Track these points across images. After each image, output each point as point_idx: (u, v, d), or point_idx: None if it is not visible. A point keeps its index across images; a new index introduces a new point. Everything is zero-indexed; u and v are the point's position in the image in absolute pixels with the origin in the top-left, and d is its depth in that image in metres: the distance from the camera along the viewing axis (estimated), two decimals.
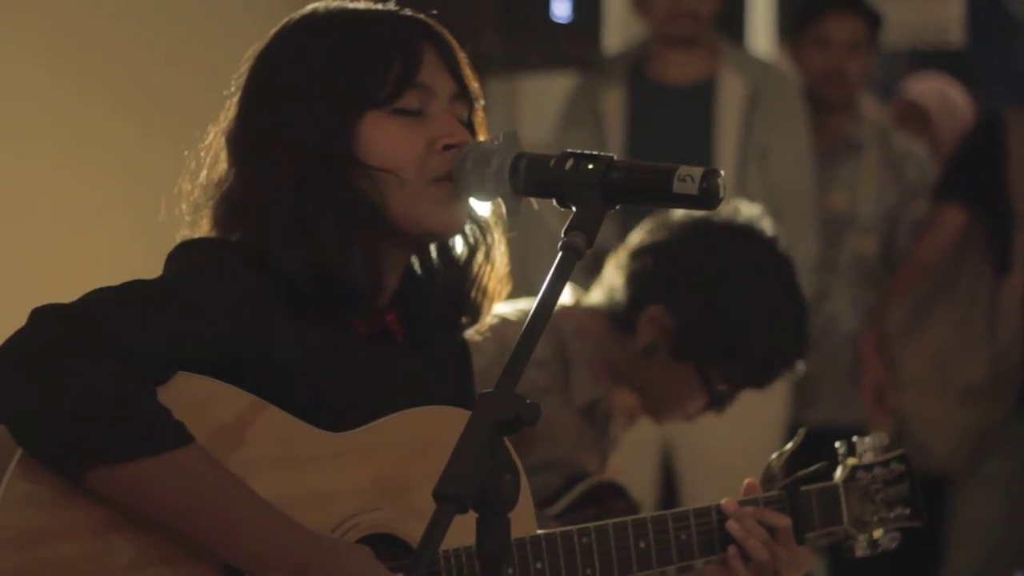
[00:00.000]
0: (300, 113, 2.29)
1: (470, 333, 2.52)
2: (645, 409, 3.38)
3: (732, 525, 2.52)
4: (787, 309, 3.31)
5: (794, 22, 5.82)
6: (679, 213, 3.29)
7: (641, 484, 4.93)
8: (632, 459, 4.83)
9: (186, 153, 2.40)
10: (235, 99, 2.37)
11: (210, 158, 2.38)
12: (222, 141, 2.37)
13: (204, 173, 2.38)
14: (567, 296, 3.31)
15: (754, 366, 3.28)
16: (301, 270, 2.24)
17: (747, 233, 3.30)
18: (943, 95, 6.28)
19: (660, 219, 3.33)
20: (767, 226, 3.34)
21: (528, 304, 3.08)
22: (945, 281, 5.46)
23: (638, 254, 3.29)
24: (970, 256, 5.46)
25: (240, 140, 2.34)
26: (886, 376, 5.46)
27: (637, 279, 3.27)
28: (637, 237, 3.33)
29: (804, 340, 3.34)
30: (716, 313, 3.22)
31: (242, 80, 2.38)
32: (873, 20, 5.73)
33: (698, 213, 3.21)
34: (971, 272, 5.45)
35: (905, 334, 5.48)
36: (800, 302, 3.34)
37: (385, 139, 2.29)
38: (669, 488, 5.30)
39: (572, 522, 2.47)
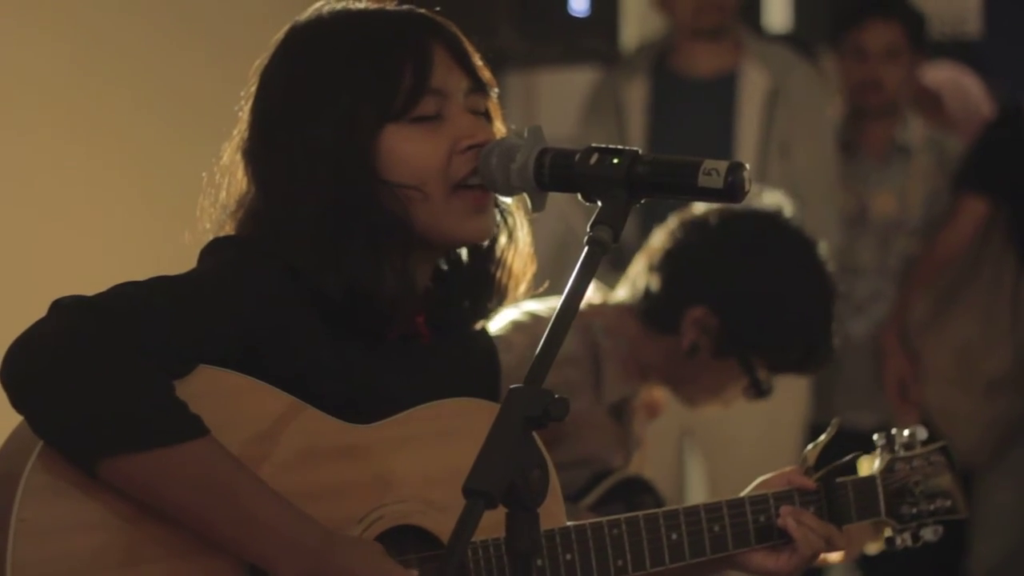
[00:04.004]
0: (318, 135, 2.27)
1: (498, 328, 2.52)
2: (680, 398, 3.39)
3: (792, 527, 2.54)
4: (820, 288, 3.36)
5: (834, 31, 5.79)
6: (701, 208, 3.31)
7: (661, 478, 4.92)
8: (652, 453, 4.83)
9: (203, 174, 2.39)
10: (247, 115, 2.36)
11: (227, 178, 2.37)
12: (237, 158, 2.36)
13: (223, 194, 2.37)
14: (596, 294, 3.33)
15: (799, 352, 3.32)
16: (335, 290, 2.24)
17: (773, 223, 3.36)
18: (955, 81, 6.27)
19: (684, 217, 3.34)
20: (788, 210, 3.41)
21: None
22: (968, 273, 5.45)
23: (671, 256, 3.31)
24: (992, 247, 5.45)
25: (258, 161, 2.33)
26: (910, 369, 5.45)
27: (674, 281, 3.29)
28: (665, 237, 3.34)
29: (834, 315, 3.38)
30: (758, 307, 3.26)
31: (252, 95, 2.36)
32: (913, 23, 5.67)
33: (721, 206, 3.24)
34: (994, 263, 5.44)
35: (928, 327, 5.47)
36: (828, 277, 3.39)
37: (406, 151, 2.27)
38: (690, 483, 5.29)
39: (600, 516, 2.47)
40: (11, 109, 4.27)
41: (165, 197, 3.66)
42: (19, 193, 4.28)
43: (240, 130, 2.36)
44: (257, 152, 2.33)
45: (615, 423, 3.32)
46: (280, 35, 2.37)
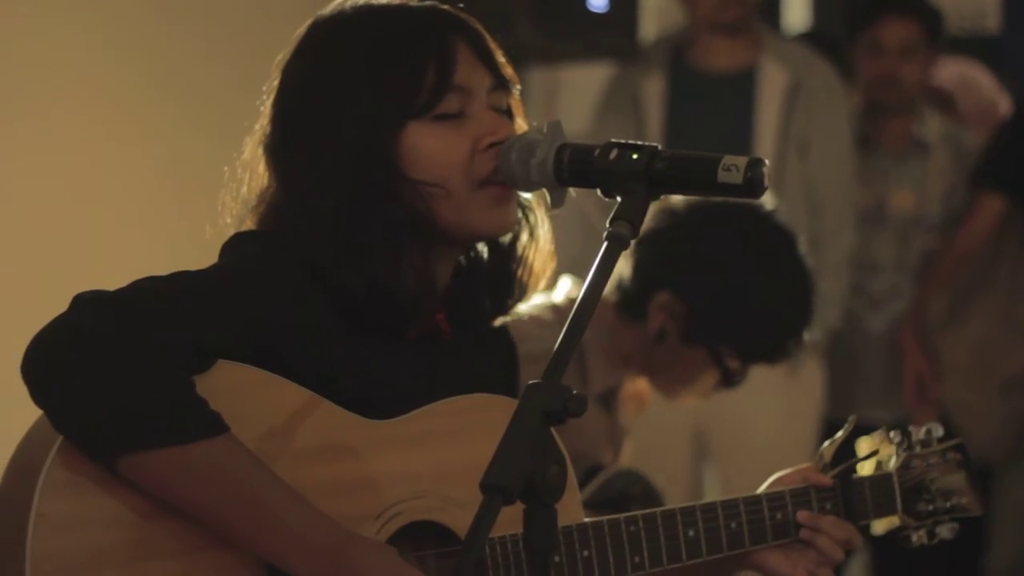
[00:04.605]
0: (340, 131, 2.27)
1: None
2: (658, 389, 3.40)
3: (809, 537, 2.53)
4: (792, 282, 3.34)
5: (849, 28, 5.78)
6: (677, 197, 3.30)
7: (676, 478, 4.93)
8: (665, 448, 4.84)
9: (225, 168, 2.38)
10: (269, 110, 2.35)
11: (249, 173, 2.36)
12: (259, 152, 2.35)
13: (244, 189, 2.36)
14: (573, 288, 3.33)
15: (765, 343, 3.32)
16: (355, 287, 2.24)
17: (747, 211, 3.33)
18: (964, 77, 6.27)
19: (659, 206, 3.33)
20: (769, 202, 3.38)
21: (542, 299, 3.10)
22: (985, 271, 5.44)
23: (642, 242, 3.30)
24: (1010, 245, 5.44)
25: (280, 156, 2.32)
26: (927, 367, 5.44)
27: (643, 267, 3.29)
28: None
29: (811, 310, 3.37)
30: (724, 295, 3.26)
31: (274, 90, 2.35)
32: (930, 19, 5.66)
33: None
34: (1011, 261, 5.43)
35: (946, 325, 5.46)
36: (804, 271, 3.36)
37: (428, 149, 2.27)
38: (705, 482, 5.29)
39: (593, 511, 2.46)
40: (34, 104, 4.28)
41: (187, 191, 3.66)
42: (41, 187, 4.28)
43: (262, 125, 2.36)
44: (278, 147, 2.33)
45: (604, 414, 3.33)
46: (302, 30, 2.37)
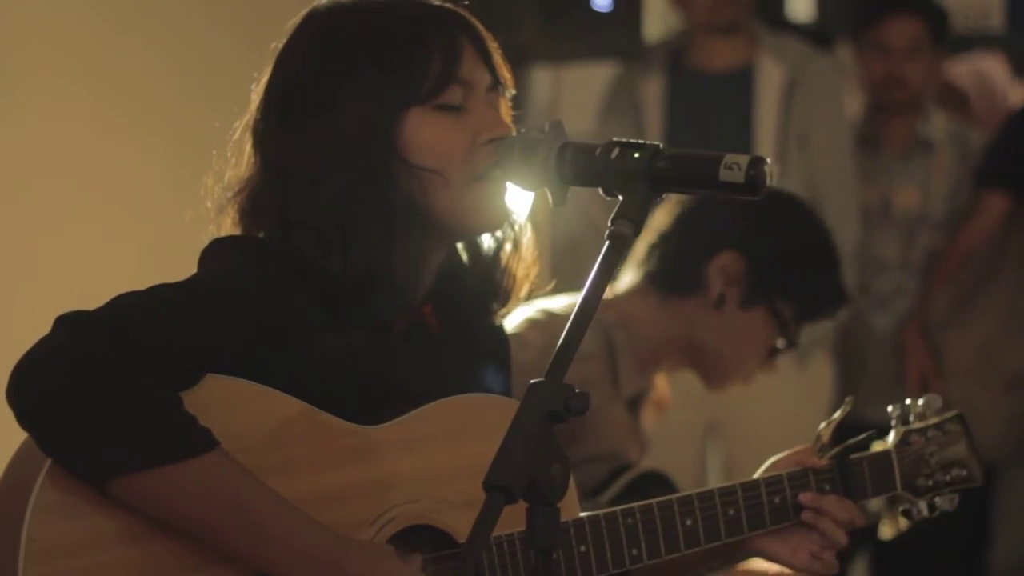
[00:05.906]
0: (341, 111, 2.27)
1: (514, 326, 2.52)
2: (703, 375, 3.39)
3: (810, 516, 2.53)
4: (832, 244, 3.45)
5: (856, 26, 5.78)
6: None
7: (684, 472, 4.93)
8: (675, 443, 4.84)
9: (214, 152, 2.38)
10: (262, 95, 2.35)
11: (236, 158, 2.36)
12: (247, 136, 2.35)
13: (229, 172, 2.36)
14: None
15: (824, 293, 3.38)
16: (343, 274, 2.24)
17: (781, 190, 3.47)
18: (980, 75, 6.26)
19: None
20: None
21: (574, 299, 3.10)
22: (990, 269, 5.43)
23: (682, 218, 3.33)
24: (1014, 243, 5.44)
25: (273, 139, 2.32)
26: (931, 365, 5.43)
27: (693, 235, 3.32)
28: (666, 212, 3.36)
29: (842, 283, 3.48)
30: (785, 247, 3.31)
31: (267, 77, 2.35)
32: (935, 18, 5.65)
33: None
34: (1016, 259, 5.43)
35: (950, 323, 5.46)
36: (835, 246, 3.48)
37: (429, 137, 2.28)
38: (713, 478, 5.29)
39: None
40: (37, 93, 4.27)
41: (172, 170, 3.66)
42: (44, 185, 4.28)
43: (251, 112, 2.35)
44: (272, 130, 2.32)
45: (631, 417, 3.32)
46: (297, 20, 2.36)
